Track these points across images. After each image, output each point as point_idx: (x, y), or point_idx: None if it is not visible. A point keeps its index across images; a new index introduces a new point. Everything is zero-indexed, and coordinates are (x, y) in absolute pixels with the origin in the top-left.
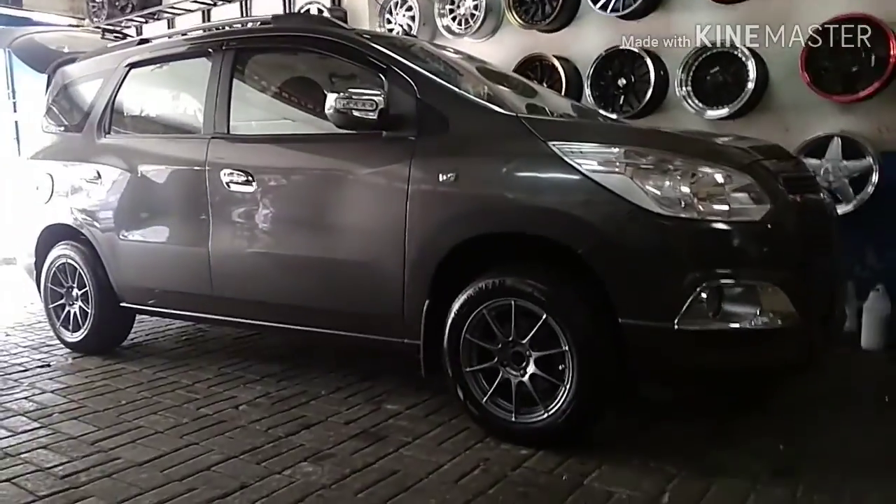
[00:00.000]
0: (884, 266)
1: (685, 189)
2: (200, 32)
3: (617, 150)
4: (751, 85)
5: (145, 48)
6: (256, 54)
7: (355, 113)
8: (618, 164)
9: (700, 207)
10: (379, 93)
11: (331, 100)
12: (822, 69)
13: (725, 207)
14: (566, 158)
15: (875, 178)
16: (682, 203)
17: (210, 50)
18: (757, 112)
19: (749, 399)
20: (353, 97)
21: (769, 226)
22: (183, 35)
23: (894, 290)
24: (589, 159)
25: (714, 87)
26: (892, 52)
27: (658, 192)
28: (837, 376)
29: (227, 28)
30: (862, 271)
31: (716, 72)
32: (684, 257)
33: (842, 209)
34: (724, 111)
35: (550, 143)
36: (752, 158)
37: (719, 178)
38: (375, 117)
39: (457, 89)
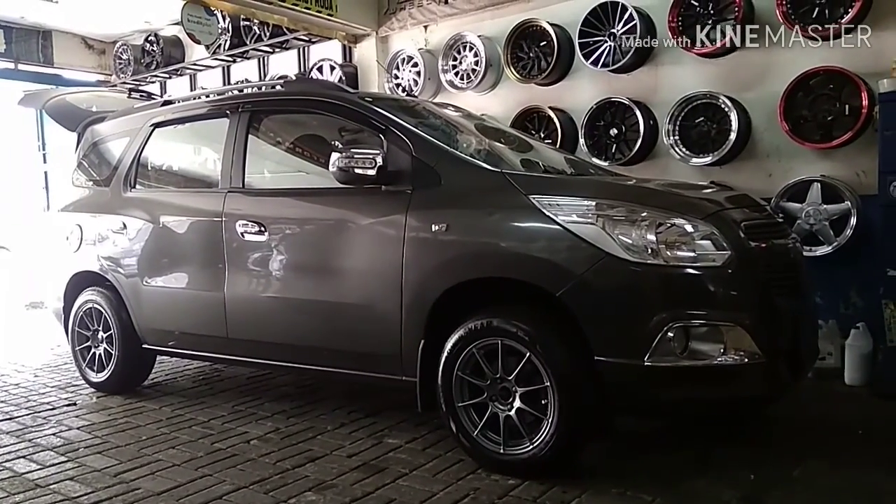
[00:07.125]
0: (864, 305)
1: (651, 237)
2: (219, 95)
3: (589, 202)
4: (733, 135)
5: (168, 109)
6: (269, 115)
7: (356, 170)
8: (590, 215)
9: (665, 254)
10: (378, 151)
11: (334, 158)
12: (800, 118)
13: (689, 254)
14: (544, 210)
15: (854, 220)
16: (649, 250)
17: (227, 111)
18: (741, 159)
19: (728, 432)
20: (355, 156)
21: (729, 270)
22: (204, 97)
23: (875, 327)
24: (564, 211)
25: (699, 137)
26: (863, 102)
27: (627, 241)
28: (818, 410)
29: (242, 91)
30: (844, 310)
31: (700, 121)
32: (651, 300)
33: (823, 251)
34: (708, 159)
35: (531, 197)
36: (714, 209)
37: (683, 227)
38: (374, 173)
39: (448, 147)
